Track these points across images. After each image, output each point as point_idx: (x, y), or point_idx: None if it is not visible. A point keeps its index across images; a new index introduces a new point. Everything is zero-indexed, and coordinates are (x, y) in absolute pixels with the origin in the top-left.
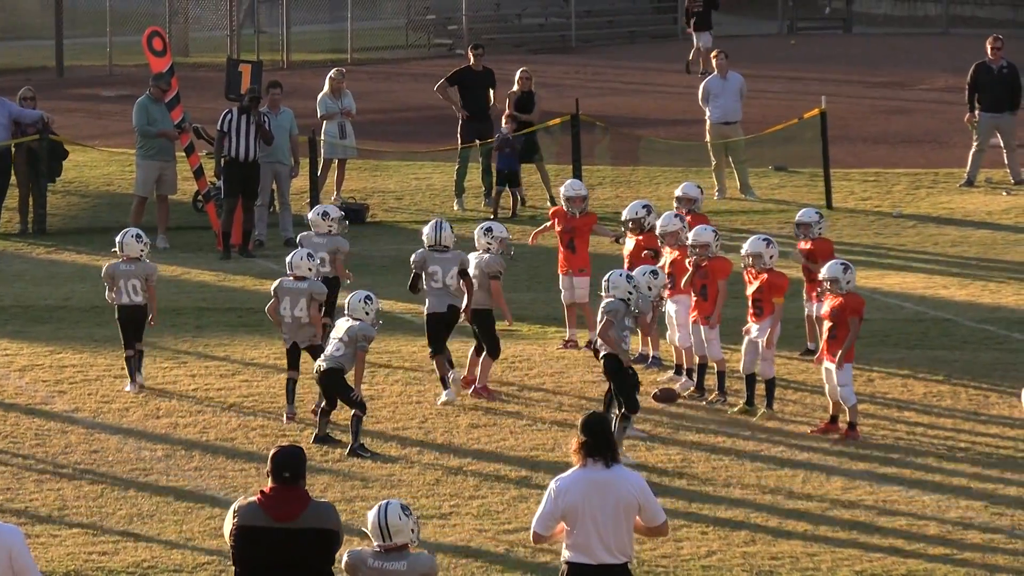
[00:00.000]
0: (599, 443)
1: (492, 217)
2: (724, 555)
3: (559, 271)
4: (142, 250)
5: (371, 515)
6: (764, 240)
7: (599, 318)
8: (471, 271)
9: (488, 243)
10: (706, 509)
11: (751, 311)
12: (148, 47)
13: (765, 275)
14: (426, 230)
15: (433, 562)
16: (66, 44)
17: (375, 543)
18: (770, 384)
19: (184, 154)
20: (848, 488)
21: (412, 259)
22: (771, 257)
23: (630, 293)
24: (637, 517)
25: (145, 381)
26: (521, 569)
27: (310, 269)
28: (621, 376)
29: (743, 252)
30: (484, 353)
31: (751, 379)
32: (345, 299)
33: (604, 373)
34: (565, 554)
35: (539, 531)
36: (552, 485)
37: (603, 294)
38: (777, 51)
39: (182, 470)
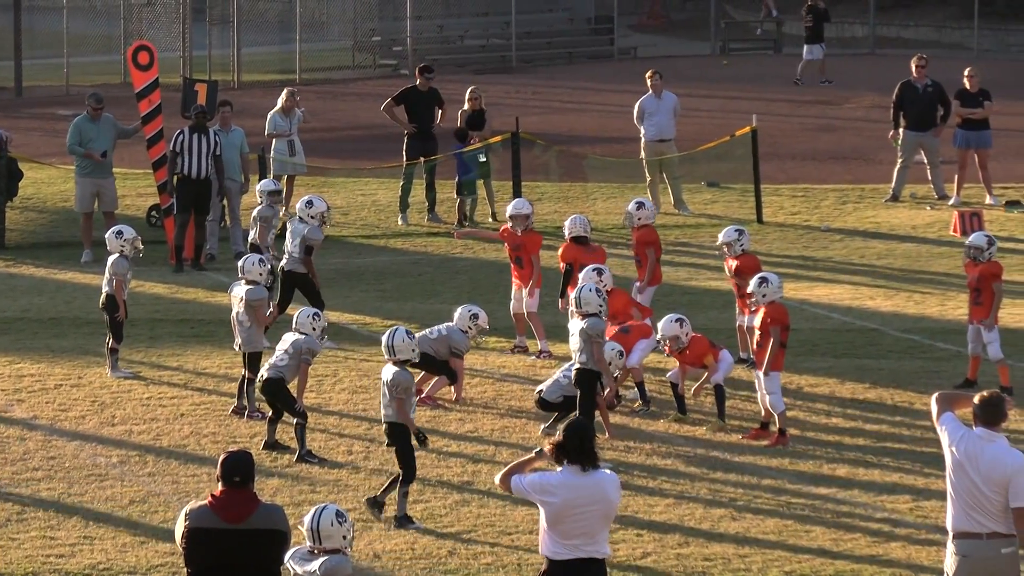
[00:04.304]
0: (578, 449)
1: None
2: (658, 556)
3: (512, 284)
4: (121, 247)
5: (306, 518)
6: (677, 321)
7: (582, 343)
8: (444, 347)
9: (470, 326)
10: (641, 512)
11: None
12: (133, 62)
13: (686, 352)
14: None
15: (342, 564)
16: (25, 64)
17: (307, 544)
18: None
19: (151, 169)
20: (778, 491)
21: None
22: (687, 335)
23: (601, 306)
24: None
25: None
26: (464, 570)
27: (260, 274)
28: (592, 392)
29: (659, 336)
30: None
31: (676, 388)
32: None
33: (576, 384)
34: (546, 550)
35: (512, 485)
36: (539, 477)
37: (575, 310)
38: (710, 71)
39: (136, 475)
